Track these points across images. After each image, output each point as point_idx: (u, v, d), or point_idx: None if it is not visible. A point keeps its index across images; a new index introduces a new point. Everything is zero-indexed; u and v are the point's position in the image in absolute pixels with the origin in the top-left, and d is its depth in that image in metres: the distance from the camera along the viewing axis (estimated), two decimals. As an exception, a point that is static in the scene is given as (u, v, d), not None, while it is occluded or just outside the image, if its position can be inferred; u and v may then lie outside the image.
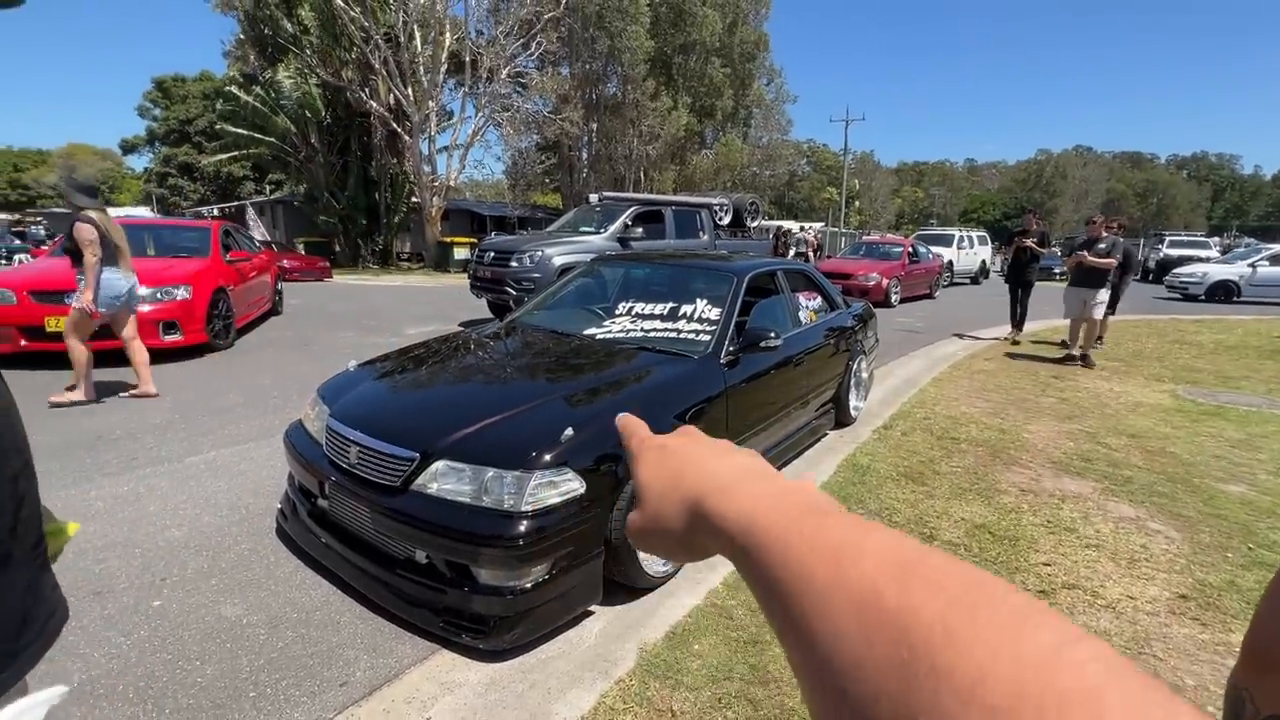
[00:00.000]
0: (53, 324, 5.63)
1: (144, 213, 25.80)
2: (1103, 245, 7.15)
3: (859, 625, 0.23)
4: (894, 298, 12.99)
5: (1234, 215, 74.04)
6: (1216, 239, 31.69)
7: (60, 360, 5.77)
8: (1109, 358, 7.67)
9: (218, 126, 22.86)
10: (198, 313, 6.31)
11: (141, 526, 2.93)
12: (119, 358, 5.92)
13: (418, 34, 19.16)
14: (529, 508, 2.08)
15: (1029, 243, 8.67)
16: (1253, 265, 15.84)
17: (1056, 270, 20.35)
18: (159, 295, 6.03)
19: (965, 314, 9.45)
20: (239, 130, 20.97)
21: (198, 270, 6.62)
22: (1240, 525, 3.19)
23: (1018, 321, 8.95)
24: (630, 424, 0.46)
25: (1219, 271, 16.26)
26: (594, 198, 10.24)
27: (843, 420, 4.66)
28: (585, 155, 27.50)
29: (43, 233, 24.81)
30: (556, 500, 2.13)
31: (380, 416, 2.55)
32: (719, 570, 2.68)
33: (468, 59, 19.97)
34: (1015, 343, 8.70)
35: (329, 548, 2.49)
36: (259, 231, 24.45)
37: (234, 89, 20.99)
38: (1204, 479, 3.80)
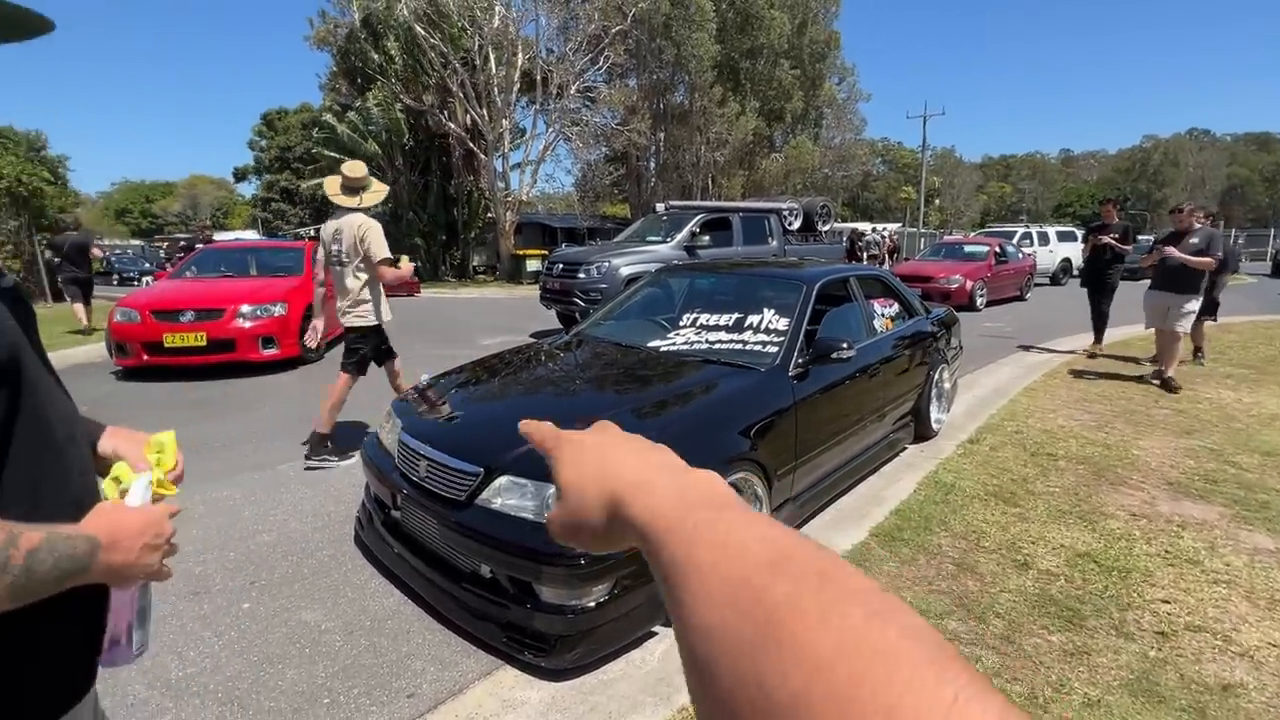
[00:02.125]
0: (171, 340, 6.21)
1: (251, 235, 28.20)
2: (1195, 240, 5.71)
3: (734, 612, 0.25)
4: (979, 301, 12.22)
5: (1387, 198, 64.88)
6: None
7: (175, 374, 6.35)
8: (1236, 364, 6.85)
9: (315, 151, 24.67)
10: (292, 327, 6.77)
11: (236, 530, 3.13)
12: (235, 370, 6.44)
13: (492, 56, 19.95)
14: (590, 525, 2.05)
15: (1108, 239, 7.19)
16: None
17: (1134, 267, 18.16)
18: (258, 312, 6.52)
19: (1051, 318, 8.36)
20: (333, 154, 22.58)
21: (292, 288, 7.12)
22: None
23: (1097, 331, 7.66)
24: (534, 426, 0.46)
25: None
26: (661, 207, 10.26)
27: (923, 434, 4.39)
28: (653, 165, 27.66)
29: (161, 256, 27.54)
30: (617, 518, 2.09)
31: (448, 430, 2.61)
32: (788, 594, 2.55)
33: (539, 77, 20.58)
34: (1092, 356, 7.43)
35: (401, 558, 2.56)
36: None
37: (329, 118, 22.63)
38: (1362, 506, 3.29)
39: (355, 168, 4.13)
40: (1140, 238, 20.81)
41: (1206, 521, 3.17)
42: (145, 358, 6.23)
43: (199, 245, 10.81)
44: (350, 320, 4.22)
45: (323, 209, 39.82)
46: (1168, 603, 2.47)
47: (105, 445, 0.96)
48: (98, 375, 6.62)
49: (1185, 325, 5.86)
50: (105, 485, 0.87)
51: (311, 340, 4.56)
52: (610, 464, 0.39)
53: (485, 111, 20.22)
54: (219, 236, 18.09)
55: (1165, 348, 6.01)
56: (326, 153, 22.73)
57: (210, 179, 62.56)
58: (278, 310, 6.64)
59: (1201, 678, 2.05)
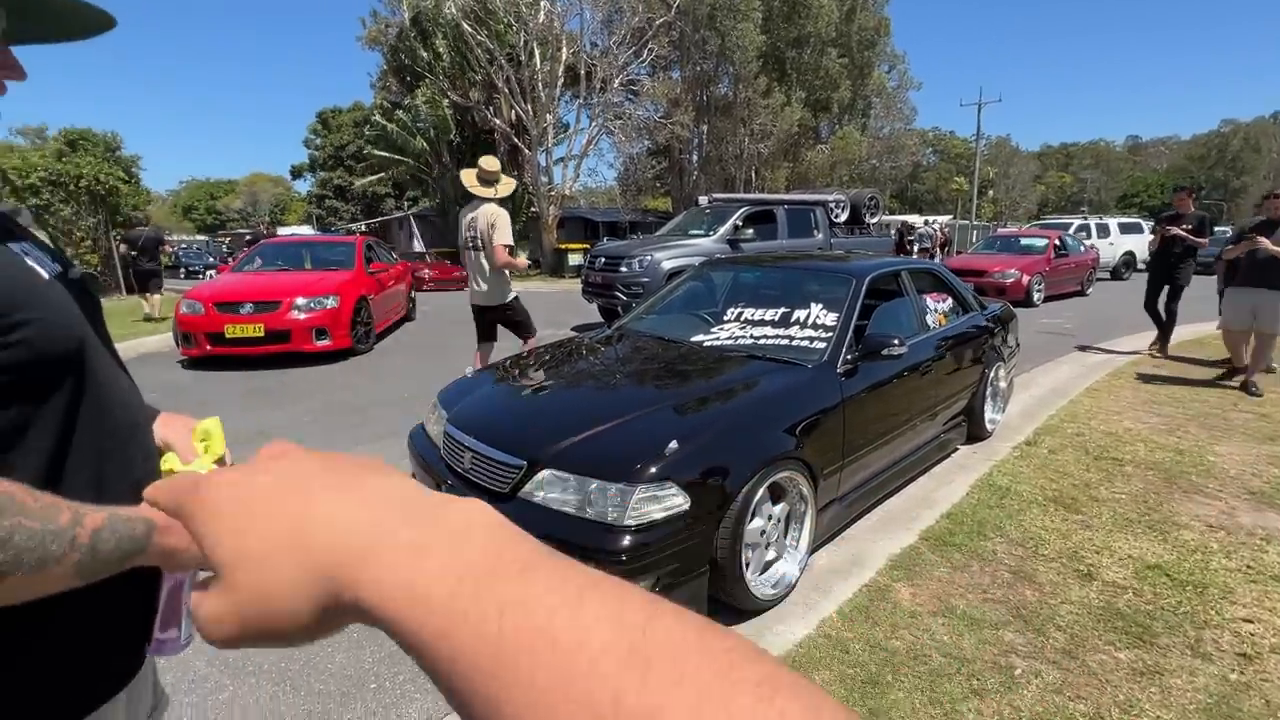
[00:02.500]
0: (231, 331, 6.49)
1: (306, 230, 29.30)
2: None
3: None
4: (1036, 296, 11.68)
5: None
6: None
7: (235, 363, 6.65)
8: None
9: (366, 150, 25.47)
10: (343, 320, 6.99)
11: (290, 516, 3.25)
12: (290, 360, 6.69)
13: (537, 52, 20.13)
14: (632, 522, 2.04)
15: (1180, 230, 6.48)
16: None
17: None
18: (312, 305, 6.75)
19: (1114, 314, 7.64)
20: (383, 153, 23.24)
21: (344, 281, 7.35)
22: None
23: (1163, 331, 7.00)
24: (159, 489, 0.32)
25: None
26: (703, 200, 10.15)
27: (976, 434, 4.21)
28: (695, 158, 27.43)
29: (224, 250, 28.89)
30: (660, 515, 2.06)
31: (492, 423, 2.63)
32: (833, 597, 2.48)
33: (583, 71, 20.65)
34: (1154, 356, 6.87)
35: (445, 547, 2.60)
36: (417, 243, 26.06)
37: (379, 116, 23.29)
38: None
39: (490, 162, 4.68)
40: (1216, 229, 19.38)
41: (1294, 535, 2.93)
42: (209, 347, 6.54)
43: (260, 241, 11.31)
44: (481, 300, 4.77)
45: (373, 205, 41.10)
46: (1250, 622, 2.30)
47: (157, 434, 0.99)
48: (166, 364, 6.99)
49: (1278, 325, 5.28)
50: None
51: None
52: (313, 517, 0.25)
53: (530, 107, 20.42)
54: (281, 231, 18.99)
55: (1255, 349, 5.41)
56: (376, 152, 23.41)
57: (269, 177, 65.32)
58: (330, 303, 6.86)
59: (1289, 705, 1.90)
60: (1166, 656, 2.12)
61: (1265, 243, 5.15)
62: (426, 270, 17.24)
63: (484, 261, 4.60)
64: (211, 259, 25.69)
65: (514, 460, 2.29)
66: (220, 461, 0.86)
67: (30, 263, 0.73)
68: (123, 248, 11.15)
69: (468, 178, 4.66)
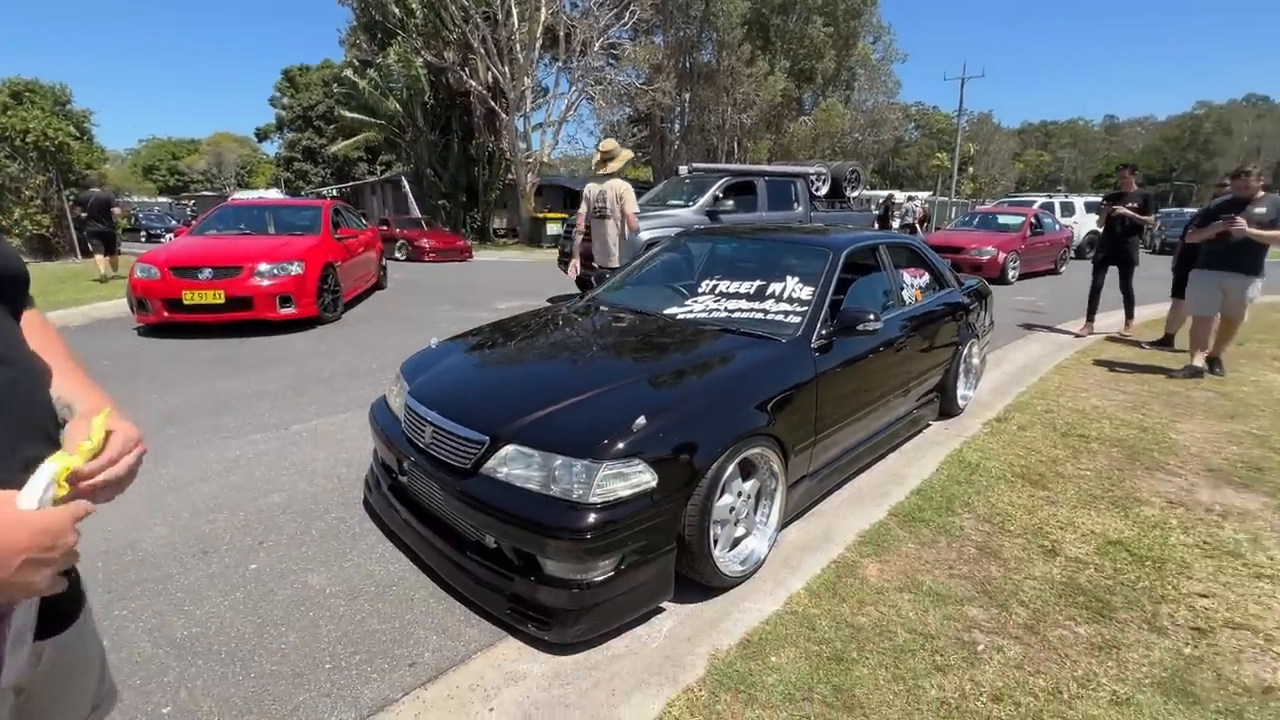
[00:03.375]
0: (189, 297, 6.23)
1: (274, 194, 28.25)
2: (1263, 209, 4.92)
3: None
4: (1011, 274, 11.79)
5: None
6: None
7: (195, 331, 6.40)
8: (1284, 346, 6.50)
9: (336, 111, 24.41)
10: (309, 287, 6.75)
11: (248, 490, 3.13)
12: (253, 328, 6.47)
13: (515, 11, 19.39)
14: (597, 499, 1.97)
15: (1124, 209, 6.58)
16: None
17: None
18: (275, 271, 6.49)
19: (1085, 291, 7.64)
20: (353, 115, 22.34)
21: (310, 247, 7.08)
22: None
23: (1127, 312, 7.07)
24: None
25: None
26: (683, 170, 9.94)
27: (948, 410, 4.23)
28: (677, 127, 26.96)
29: (188, 213, 27.71)
30: (626, 493, 2.01)
31: (455, 396, 2.53)
32: (802, 573, 2.47)
33: (562, 33, 20.00)
34: (1079, 336, 6.96)
35: (407, 524, 2.52)
36: (412, 206, 23.39)
37: (349, 74, 22.32)
38: None
39: (607, 143, 5.56)
40: (1187, 211, 19.75)
41: (1250, 511, 3.00)
42: (165, 314, 6.27)
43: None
44: (612, 262, 5.53)
45: (343, 168, 39.77)
46: (1206, 597, 2.34)
47: (74, 412, 0.88)
48: (122, 330, 6.70)
49: (1246, 312, 5.20)
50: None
51: (571, 273, 5.62)
52: None
53: (507, 69, 19.77)
54: (241, 195, 18.08)
55: (1220, 330, 5.31)
56: (347, 113, 22.49)
57: (234, 137, 62.71)
58: (295, 269, 6.61)
59: (1240, 678, 1.94)
60: (1124, 631, 2.15)
61: (1243, 223, 4.89)
62: (426, 240, 16.06)
63: (611, 229, 5.48)
64: (175, 222, 24.63)
65: (476, 435, 2.21)
66: (103, 463, 0.75)
67: None
68: (78, 209, 10.70)
69: (595, 161, 5.68)
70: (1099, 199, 19.27)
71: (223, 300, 6.27)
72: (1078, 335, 7.03)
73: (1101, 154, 70.27)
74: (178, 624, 2.16)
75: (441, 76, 21.40)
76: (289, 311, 6.56)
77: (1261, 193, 5.09)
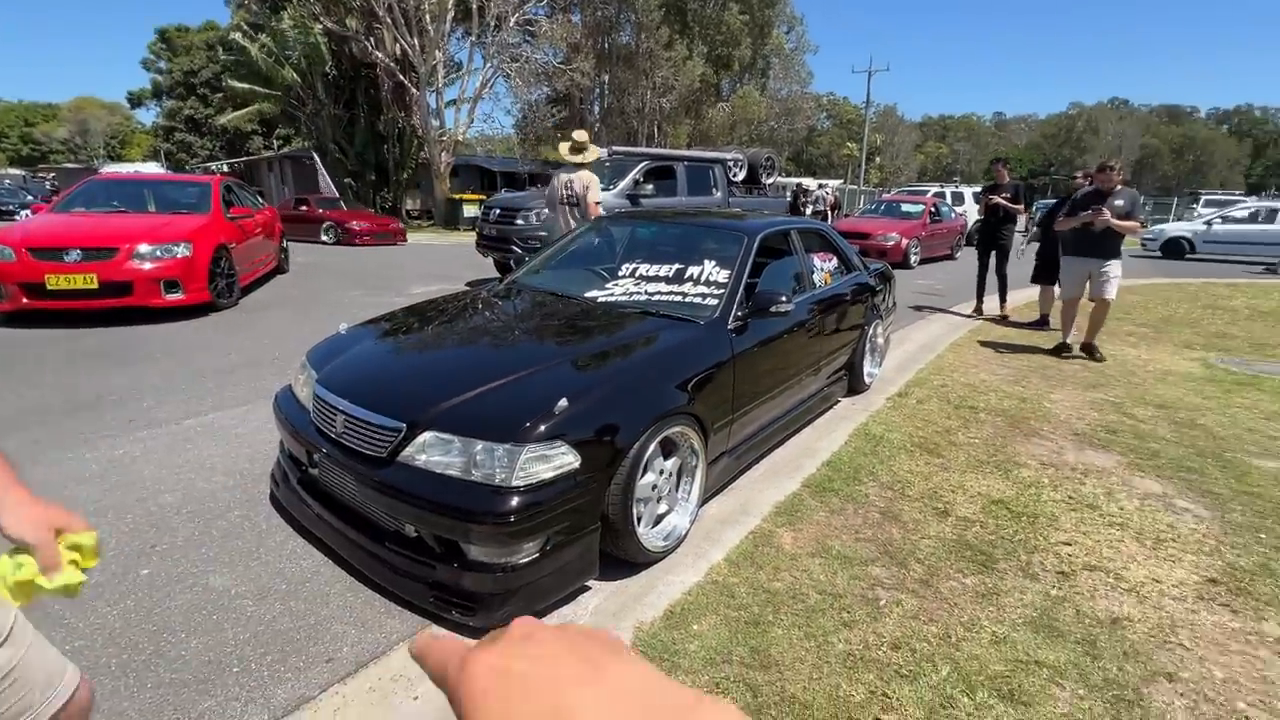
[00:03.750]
0: (54, 282, 5.58)
1: (153, 168, 25.54)
2: (1121, 201, 5.41)
3: None
4: (913, 259, 12.60)
5: (1274, 173, 70.64)
6: (1254, 198, 30.26)
7: (65, 319, 5.75)
8: (1138, 323, 7.36)
9: (224, 78, 22.32)
10: (199, 270, 6.21)
11: (134, 491, 2.88)
12: (136, 316, 5.89)
13: (423, -22, 18.41)
14: (520, 482, 1.97)
15: (998, 200, 7.15)
16: (1208, 223, 16.63)
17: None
18: (159, 253, 5.92)
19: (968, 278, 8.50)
20: (243, 84, 20.54)
21: (198, 227, 6.49)
22: (1275, 504, 3.02)
23: (1001, 295, 7.53)
24: (438, 645, 0.32)
25: (1172, 229, 17.23)
26: (604, 152, 9.87)
27: (856, 387, 4.50)
28: (597, 109, 26.70)
29: (48, 187, 24.62)
30: (549, 475, 2.01)
31: (368, 384, 2.43)
32: (722, 545, 2.58)
33: (475, 5, 19.19)
34: (971, 316, 7.49)
35: (319, 517, 2.41)
36: (327, 185, 20.62)
37: (238, 37, 20.45)
38: (1236, 453, 3.62)
39: (580, 134, 5.96)
40: (1046, 203, 21.62)
41: (1106, 469, 3.41)
42: (25, 301, 5.59)
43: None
44: None
45: (234, 141, 36.59)
46: (1069, 545, 2.65)
47: (7, 519, 0.79)
48: (-31, 320, 5.91)
49: (1111, 292, 5.61)
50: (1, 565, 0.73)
51: None
52: (562, 711, 0.26)
53: (416, 41, 18.78)
54: (112, 168, 16.11)
55: (1093, 316, 5.71)
56: (236, 83, 20.62)
57: (102, 103, 56.12)
58: (181, 251, 6.05)
59: (1094, 613, 2.22)
60: (1003, 579, 2.40)
61: (1107, 214, 5.32)
62: (357, 221, 14.80)
63: (576, 217, 5.70)
64: (31, 197, 21.79)
65: (392, 423, 2.14)
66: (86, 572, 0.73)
67: None
68: None
69: (563, 149, 5.92)
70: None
71: (96, 285, 5.65)
72: (969, 316, 7.64)
73: (992, 148, 75.81)
74: (56, 639, 1.96)
75: (344, 46, 20.07)
76: (176, 297, 6.01)
77: (1120, 186, 5.58)
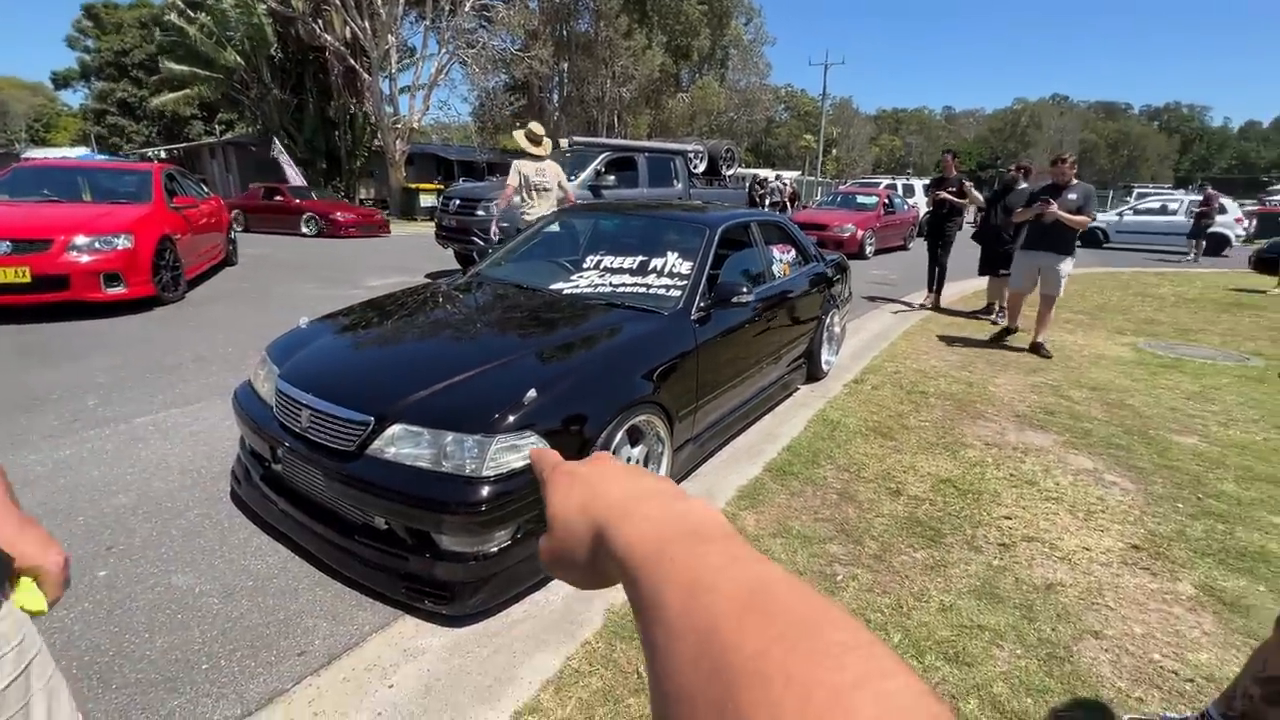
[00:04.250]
0: (-16, 276, 5.26)
1: (83, 153, 24.08)
2: (1074, 196, 5.36)
3: (696, 675, 0.22)
4: (869, 250, 12.96)
5: (1200, 168, 75.07)
6: (1182, 192, 32.11)
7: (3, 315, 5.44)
8: (1075, 310, 7.79)
9: (160, 59, 21.16)
10: (142, 263, 5.95)
11: (84, 493, 2.79)
12: (74, 312, 5.63)
13: (373, -41, 17.81)
14: (491, 473, 2.01)
15: (945, 194, 7.25)
16: (1120, 214, 18.12)
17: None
18: (98, 244, 5.65)
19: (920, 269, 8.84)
20: (180, 66, 19.53)
21: (139, 217, 6.21)
22: (1191, 476, 3.29)
23: (936, 287, 7.74)
24: (543, 454, 0.45)
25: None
26: (564, 142, 9.82)
27: (814, 374, 4.66)
28: (556, 97, 26.41)
29: None
30: (520, 464, 2.05)
31: (333, 377, 2.42)
32: (688, 529, 2.66)
33: (428, -11, 18.70)
34: (932, 308, 7.69)
35: (285, 513, 2.40)
36: (293, 173, 18.75)
37: (174, 17, 19.41)
38: (1159, 431, 3.91)
39: (538, 126, 6.04)
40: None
41: (1044, 448, 3.64)
42: (-49, 297, 5.26)
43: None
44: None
45: (172, 127, 34.78)
46: (1009, 519, 2.84)
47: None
48: (-115, 317, 5.53)
49: (1060, 289, 5.58)
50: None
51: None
52: (599, 492, 0.37)
53: (367, 24, 18.18)
54: (37, 153, 14.98)
55: (1040, 311, 5.69)
56: (175, 66, 19.57)
57: (21, 83, 52.42)
58: (122, 242, 5.78)
59: (1031, 580, 2.40)
60: (950, 552, 2.56)
61: (1054, 207, 5.31)
62: (341, 213, 14.15)
63: (552, 201, 5.93)
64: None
65: (359, 416, 2.14)
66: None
67: None
68: None
69: (519, 137, 6.01)
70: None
71: (28, 279, 5.36)
72: (921, 306, 7.91)
73: (942, 140, 78.14)
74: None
75: (290, 28, 19.26)
76: (118, 291, 5.75)
77: (1075, 180, 5.50)
